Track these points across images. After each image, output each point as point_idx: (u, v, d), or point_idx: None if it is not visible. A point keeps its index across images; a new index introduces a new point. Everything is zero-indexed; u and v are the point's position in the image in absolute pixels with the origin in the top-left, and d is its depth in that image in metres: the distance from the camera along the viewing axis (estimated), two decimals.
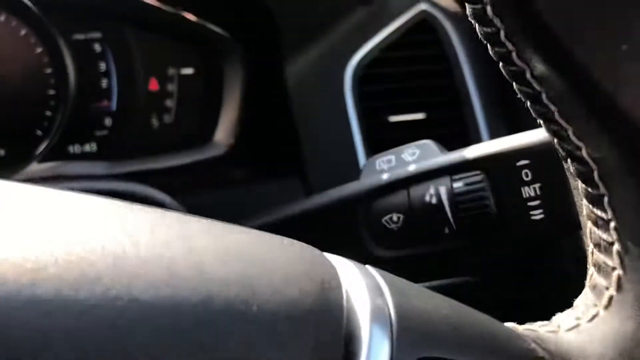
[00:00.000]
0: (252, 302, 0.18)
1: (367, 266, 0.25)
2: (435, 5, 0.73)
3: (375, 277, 0.23)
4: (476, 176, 0.41)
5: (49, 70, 0.66)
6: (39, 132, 0.66)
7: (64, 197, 0.22)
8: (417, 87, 0.72)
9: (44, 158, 0.65)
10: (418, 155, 0.44)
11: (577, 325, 0.27)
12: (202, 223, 0.23)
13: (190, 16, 0.68)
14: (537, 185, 0.40)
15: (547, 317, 0.30)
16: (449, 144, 0.69)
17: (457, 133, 0.72)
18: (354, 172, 0.68)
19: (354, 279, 0.23)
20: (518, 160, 0.40)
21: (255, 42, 0.69)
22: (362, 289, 0.22)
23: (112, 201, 0.22)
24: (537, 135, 0.41)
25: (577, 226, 0.30)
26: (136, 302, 0.17)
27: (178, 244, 0.20)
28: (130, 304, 0.17)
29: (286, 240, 0.24)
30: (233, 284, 0.18)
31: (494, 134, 0.72)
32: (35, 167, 0.65)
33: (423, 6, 0.73)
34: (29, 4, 0.63)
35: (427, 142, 0.45)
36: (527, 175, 0.40)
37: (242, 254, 0.21)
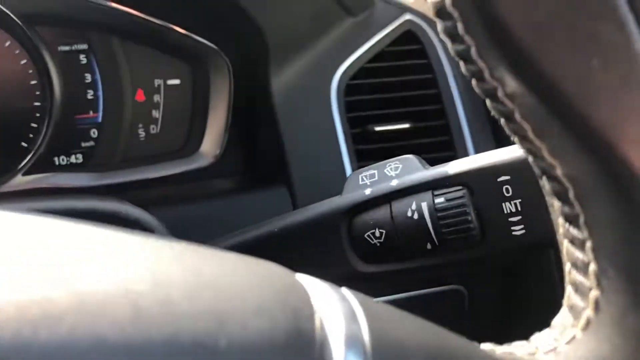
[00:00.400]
0: (221, 337, 0.18)
1: (342, 289, 0.24)
2: (420, 15, 0.74)
3: (349, 301, 0.23)
4: (458, 192, 0.41)
5: (34, 82, 0.66)
6: (24, 144, 0.66)
7: (20, 222, 0.21)
8: (402, 96, 0.72)
9: (29, 170, 0.65)
10: (400, 170, 0.44)
11: (554, 348, 0.27)
12: (171, 249, 0.22)
13: (176, 28, 0.68)
14: (517, 201, 0.40)
15: (530, 324, 0.30)
16: (434, 153, 0.70)
17: (442, 142, 0.73)
18: (341, 181, 0.68)
19: (328, 304, 0.22)
20: (499, 176, 0.41)
21: (241, 53, 0.69)
22: (336, 314, 0.22)
23: (73, 225, 0.21)
24: (518, 151, 0.41)
25: (557, 241, 0.30)
26: (102, 343, 0.16)
27: (145, 277, 0.19)
28: (95, 346, 0.16)
29: (258, 265, 0.23)
30: (201, 318, 0.18)
31: (478, 143, 0.72)
32: (20, 179, 0.65)
33: (408, 16, 0.74)
34: (13, 16, 0.63)
35: (410, 157, 0.45)
36: (507, 191, 0.41)
37: (211, 284, 0.20)
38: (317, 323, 0.21)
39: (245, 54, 0.69)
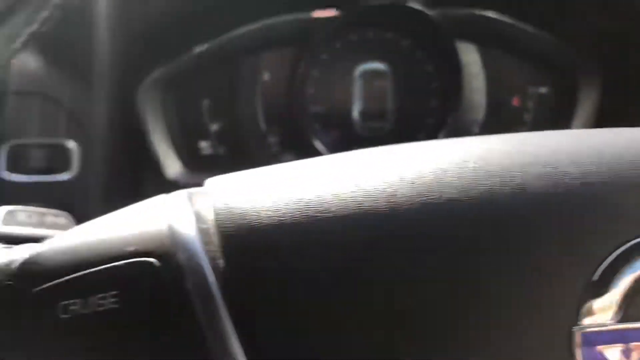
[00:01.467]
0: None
1: None
2: None
3: None
4: None
5: (435, 85, 0.80)
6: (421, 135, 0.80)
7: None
8: None
9: None
10: None
11: None
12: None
13: (552, 39, 0.78)
14: None
15: None
16: None
17: None
18: None
19: None
20: None
21: (610, 64, 0.77)
22: None
23: None
24: None
25: None
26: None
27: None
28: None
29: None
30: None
31: None
32: None
33: None
34: (433, 32, 0.77)
35: None
36: None
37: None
38: None
39: (614, 65, 0.77)
